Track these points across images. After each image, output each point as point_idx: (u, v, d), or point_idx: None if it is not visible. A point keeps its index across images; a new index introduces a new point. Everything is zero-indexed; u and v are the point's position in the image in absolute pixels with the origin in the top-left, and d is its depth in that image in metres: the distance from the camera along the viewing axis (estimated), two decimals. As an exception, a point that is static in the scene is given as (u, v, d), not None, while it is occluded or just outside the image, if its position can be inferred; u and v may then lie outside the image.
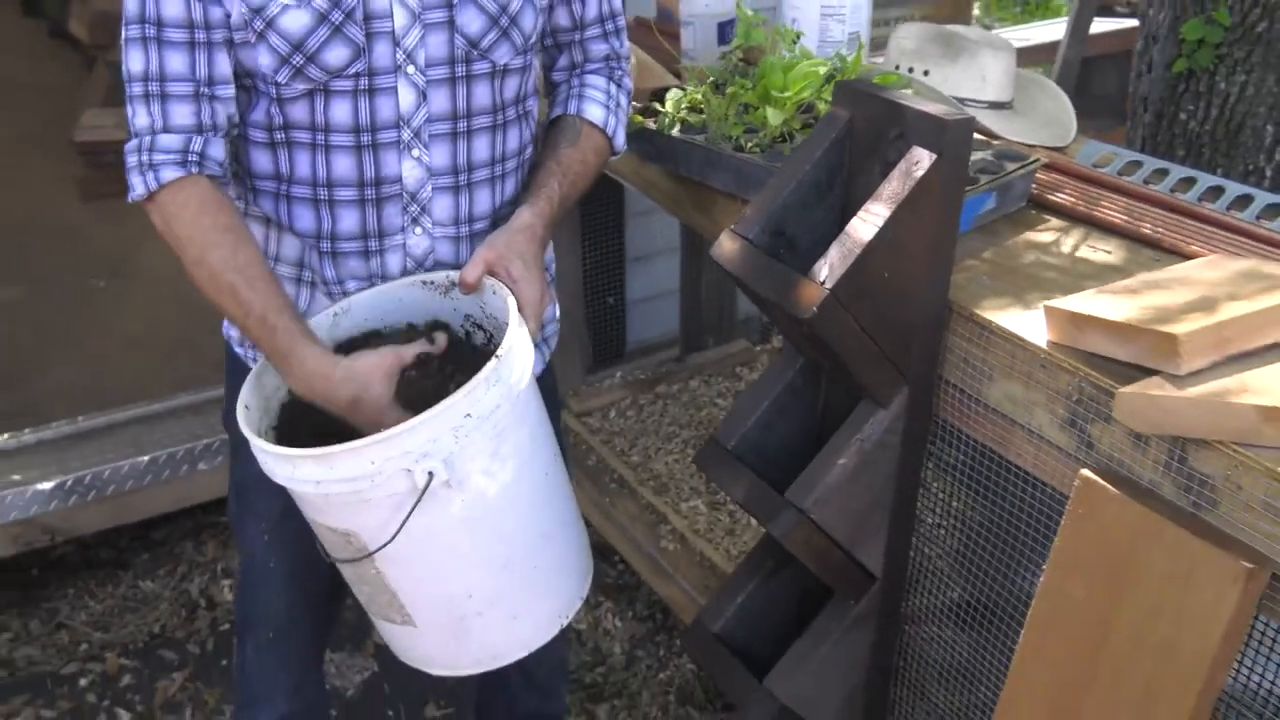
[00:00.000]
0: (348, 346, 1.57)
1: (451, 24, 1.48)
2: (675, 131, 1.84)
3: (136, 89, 1.42)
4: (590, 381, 2.92)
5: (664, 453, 2.66)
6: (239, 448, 1.70)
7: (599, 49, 1.71)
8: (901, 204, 1.35)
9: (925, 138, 1.37)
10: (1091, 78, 3.94)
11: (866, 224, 1.37)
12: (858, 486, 1.51)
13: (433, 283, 1.58)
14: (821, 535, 1.51)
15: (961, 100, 1.92)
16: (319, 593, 1.78)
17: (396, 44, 1.46)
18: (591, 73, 1.72)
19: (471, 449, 1.39)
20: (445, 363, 1.54)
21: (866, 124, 1.47)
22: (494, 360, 1.39)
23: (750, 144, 1.75)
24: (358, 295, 1.57)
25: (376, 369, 1.44)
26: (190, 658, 2.69)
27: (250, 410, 1.48)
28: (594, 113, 1.69)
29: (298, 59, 1.42)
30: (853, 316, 1.38)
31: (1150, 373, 1.26)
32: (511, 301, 1.47)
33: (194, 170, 1.43)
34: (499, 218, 1.63)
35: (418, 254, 1.59)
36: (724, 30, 2.09)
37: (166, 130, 1.42)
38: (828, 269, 1.37)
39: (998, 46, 1.95)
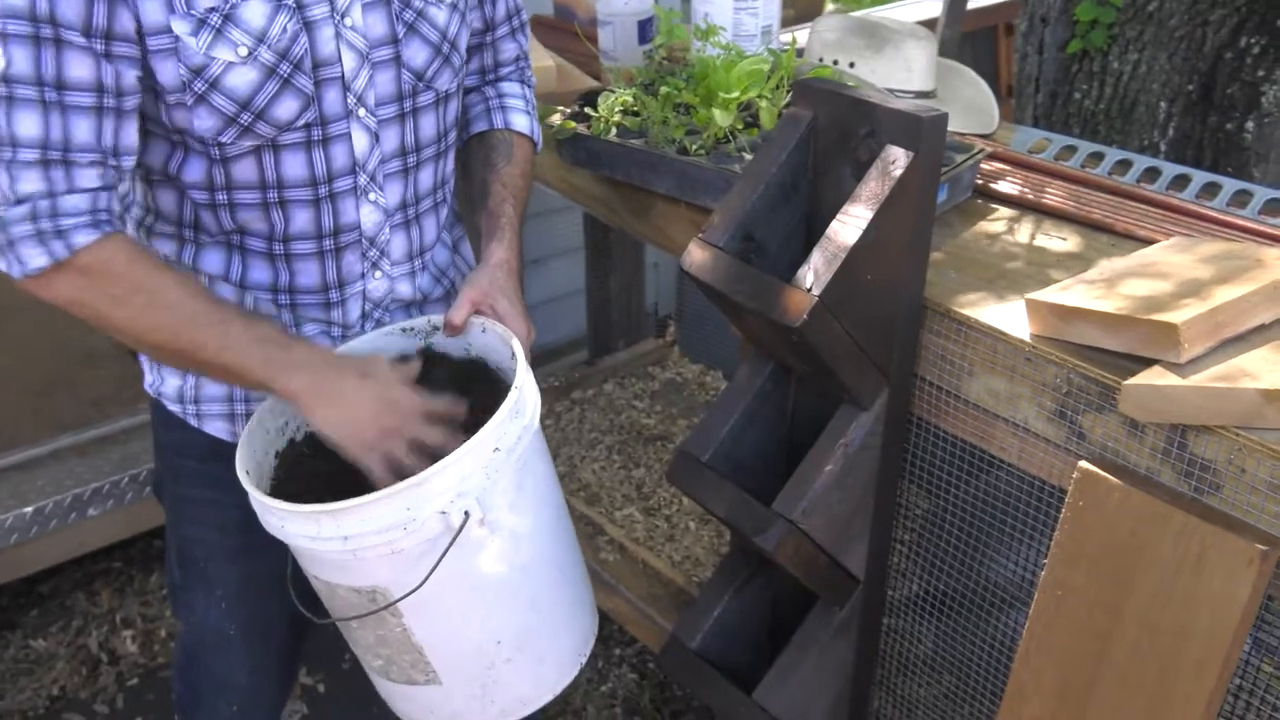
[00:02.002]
0: None
1: (398, 60, 1.40)
2: (612, 135, 1.79)
3: (25, 155, 1.22)
4: (502, 392, 2.84)
5: (589, 460, 2.60)
6: (181, 512, 1.59)
7: (508, 48, 1.65)
8: (882, 204, 1.33)
9: (899, 135, 1.36)
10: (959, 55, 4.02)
11: (849, 226, 1.34)
12: (842, 491, 1.49)
13: (413, 329, 1.52)
14: (810, 544, 1.49)
15: (890, 91, 1.92)
16: (283, 651, 1.68)
17: (347, 89, 1.36)
18: (505, 79, 1.67)
19: (500, 485, 1.34)
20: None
21: (831, 123, 1.45)
22: (514, 392, 1.35)
23: (695, 146, 1.70)
24: (337, 350, 1.48)
25: (378, 357, 1.42)
26: (98, 718, 2.51)
27: (251, 475, 1.37)
28: (520, 122, 1.64)
29: (245, 117, 1.30)
30: (840, 322, 1.36)
31: (1144, 361, 1.27)
32: (511, 336, 1.44)
33: (107, 230, 1.28)
34: (441, 240, 1.59)
35: (377, 297, 1.52)
36: (644, 29, 2.04)
37: (71, 191, 1.26)
38: (813, 275, 1.34)
39: (920, 36, 1.96)
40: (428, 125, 1.47)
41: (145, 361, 1.55)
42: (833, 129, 1.45)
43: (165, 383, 1.53)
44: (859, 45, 1.96)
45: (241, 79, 1.28)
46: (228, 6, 1.25)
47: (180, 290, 1.31)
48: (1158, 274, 1.36)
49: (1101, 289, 1.35)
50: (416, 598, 1.32)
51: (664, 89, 1.78)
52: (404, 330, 1.52)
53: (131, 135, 1.28)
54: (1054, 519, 1.40)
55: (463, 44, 1.49)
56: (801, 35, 2.12)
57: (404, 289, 1.54)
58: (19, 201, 1.23)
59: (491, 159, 1.60)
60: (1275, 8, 2.23)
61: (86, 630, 2.73)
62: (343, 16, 1.33)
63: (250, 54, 1.27)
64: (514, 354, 1.42)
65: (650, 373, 2.95)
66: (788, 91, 1.72)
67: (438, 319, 1.51)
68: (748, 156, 1.66)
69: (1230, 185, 1.65)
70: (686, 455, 1.58)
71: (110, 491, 2.69)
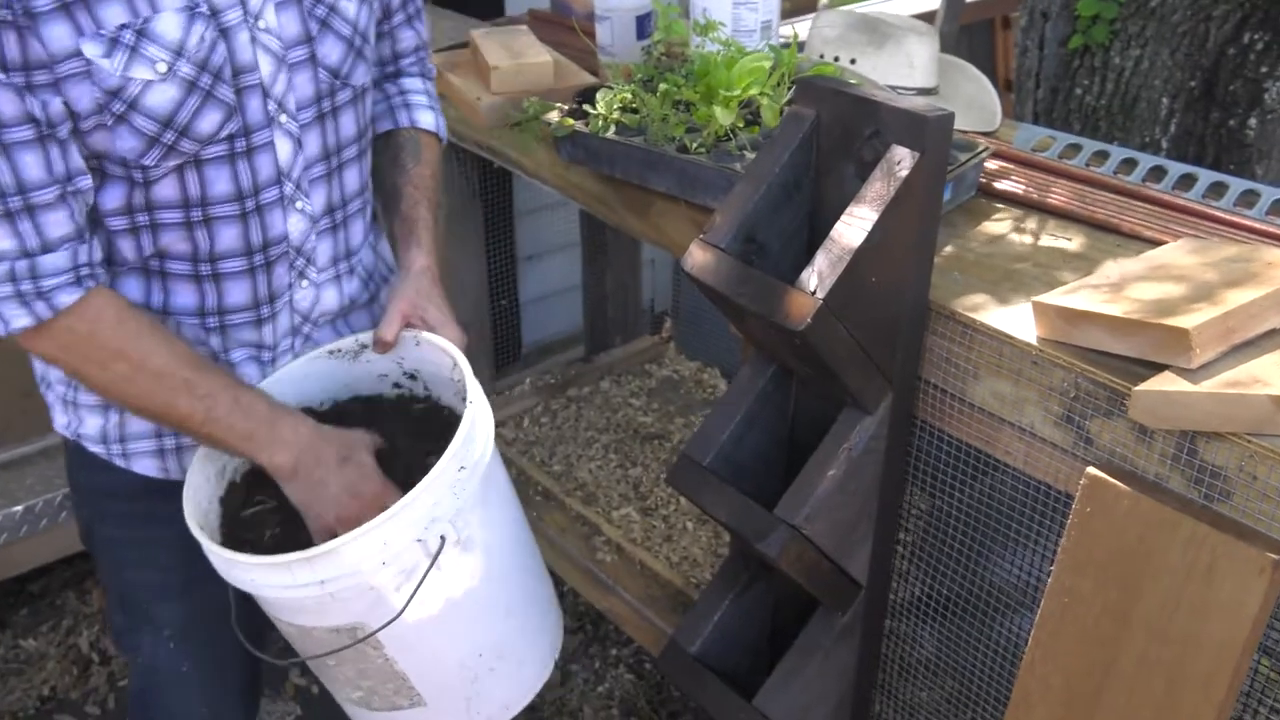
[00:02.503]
0: None
1: (314, 59, 1.34)
2: (611, 133, 1.76)
3: None
4: (498, 389, 2.81)
5: (586, 459, 2.58)
6: (116, 556, 1.55)
7: (406, 37, 1.58)
8: (888, 206, 1.31)
9: (904, 135, 1.33)
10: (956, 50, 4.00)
11: (853, 228, 1.32)
12: (845, 496, 1.47)
13: (340, 350, 1.48)
14: (812, 549, 1.47)
15: (892, 88, 1.89)
16: (241, 680, 1.64)
17: (266, 95, 1.30)
18: (407, 74, 1.62)
19: (469, 501, 1.32)
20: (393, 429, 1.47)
21: (834, 122, 1.42)
22: (469, 408, 1.33)
23: (695, 144, 1.68)
24: (263, 384, 1.44)
25: (363, 438, 1.38)
26: (89, 719, 2.48)
27: (205, 530, 1.33)
28: (426, 119, 1.60)
29: (169, 136, 1.24)
30: (844, 325, 1.33)
31: (1153, 366, 1.25)
32: (452, 347, 1.42)
33: (90, 285, 1.25)
34: (366, 244, 1.54)
35: (304, 307, 1.46)
36: (642, 24, 2.01)
37: (46, 250, 1.21)
38: (817, 277, 1.31)
39: (921, 31, 1.93)
40: (348, 124, 1.42)
41: (57, 403, 1.47)
42: (836, 128, 1.42)
43: (85, 423, 1.45)
44: (860, 41, 1.93)
45: (162, 96, 1.21)
46: (140, 22, 1.18)
47: (167, 356, 1.28)
48: (1167, 277, 1.34)
49: (1109, 292, 1.33)
50: (398, 626, 1.30)
51: (663, 86, 1.76)
52: (330, 353, 1.48)
53: (77, 157, 1.23)
54: (1059, 523, 1.38)
55: (372, 35, 1.44)
56: (801, 29, 2.10)
57: (330, 298, 1.48)
58: None
59: (400, 160, 1.56)
60: (1278, 4, 2.21)
61: (77, 630, 2.71)
62: (256, 19, 1.27)
63: (169, 70, 1.21)
64: (456, 364, 1.40)
65: (647, 370, 2.93)
66: (789, 89, 1.69)
67: (365, 337, 1.48)
68: (749, 155, 1.63)
69: (1237, 185, 1.63)
70: (687, 459, 1.55)
71: (101, 490, 2.66)
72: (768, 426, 1.60)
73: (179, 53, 1.21)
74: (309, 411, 1.46)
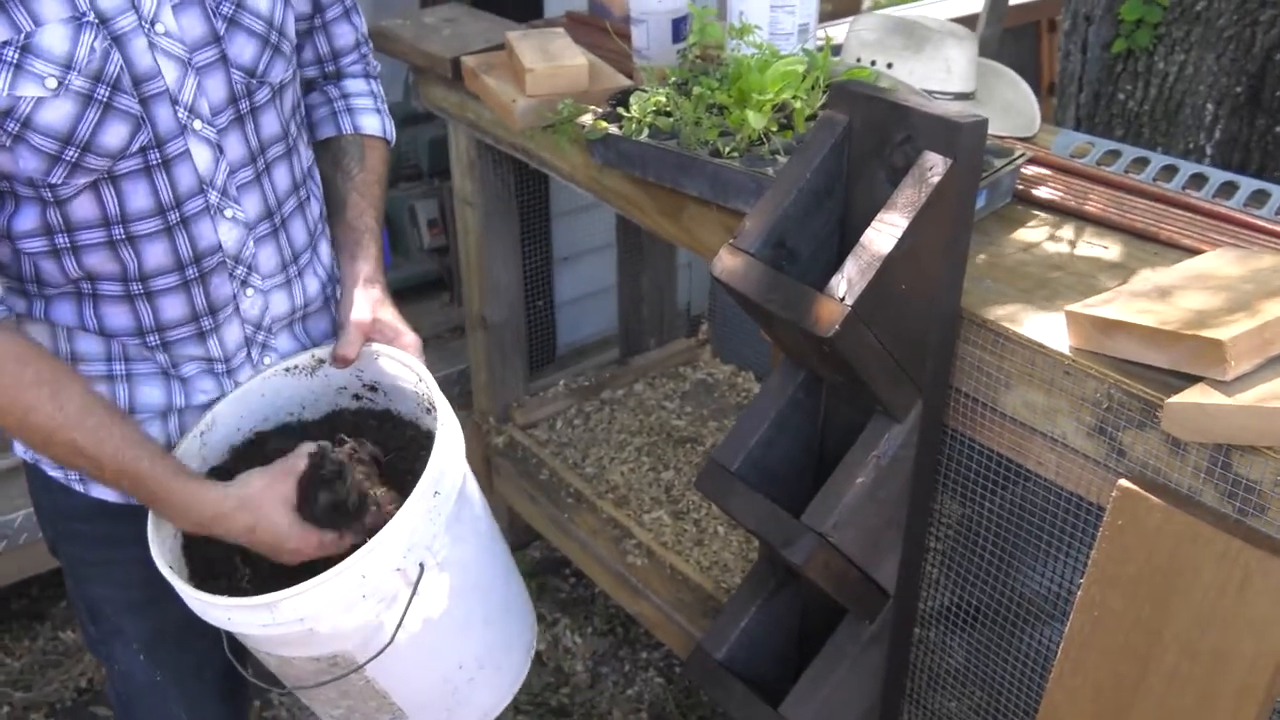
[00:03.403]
0: (236, 458, 1.45)
1: (224, 60, 1.29)
2: (644, 136, 1.76)
3: None
4: (532, 391, 2.81)
5: (618, 462, 2.58)
6: (81, 572, 1.54)
7: (343, 32, 1.53)
8: (919, 212, 1.29)
9: (937, 141, 1.32)
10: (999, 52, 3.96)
11: (883, 235, 1.31)
12: (874, 504, 1.46)
13: (297, 367, 1.46)
14: (840, 557, 1.46)
15: (929, 92, 1.88)
16: (221, 680, 1.62)
17: (175, 103, 1.24)
18: (348, 75, 1.57)
19: (443, 522, 1.32)
20: (360, 441, 1.45)
21: (866, 127, 1.41)
22: (441, 430, 1.33)
23: (728, 148, 1.67)
24: (218, 407, 1.42)
25: (268, 493, 1.32)
26: (125, 711, 2.51)
27: (174, 570, 1.33)
28: (370, 124, 1.56)
29: (70, 153, 1.19)
30: (873, 332, 1.32)
31: (1189, 378, 1.23)
32: (417, 363, 1.42)
33: None
34: (316, 244, 1.50)
35: (254, 316, 1.42)
36: (678, 27, 2.00)
37: None
38: (846, 284, 1.30)
39: (960, 36, 1.91)
40: (270, 123, 1.37)
41: None
42: (868, 133, 1.41)
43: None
44: (898, 45, 1.91)
45: (57, 113, 1.16)
46: (22, 37, 1.13)
47: (50, 421, 1.24)
48: (1203, 287, 1.32)
49: (1144, 301, 1.31)
50: (369, 653, 1.31)
51: (697, 89, 1.75)
52: (288, 370, 1.46)
53: None
54: (1090, 534, 1.36)
55: (290, 29, 1.39)
56: (839, 31, 2.08)
57: (280, 304, 1.44)
58: None
59: (344, 164, 1.53)
60: (1328, 8, 2.17)
61: (115, 623, 2.74)
62: (152, 24, 1.21)
63: (60, 84, 1.16)
64: (420, 378, 1.40)
65: (681, 373, 2.92)
66: (823, 92, 1.68)
67: (322, 352, 1.46)
68: (782, 159, 1.63)
69: (1279, 193, 1.60)
70: (715, 465, 1.55)
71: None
72: (797, 433, 1.59)
73: (68, 66, 1.16)
74: (273, 435, 1.46)
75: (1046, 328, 1.37)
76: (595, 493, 2.47)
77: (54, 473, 1.44)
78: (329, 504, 1.34)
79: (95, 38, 1.18)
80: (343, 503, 1.34)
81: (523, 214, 2.75)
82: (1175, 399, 1.19)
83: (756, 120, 1.60)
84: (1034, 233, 1.61)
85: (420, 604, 1.32)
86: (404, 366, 1.43)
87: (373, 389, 1.50)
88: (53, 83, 1.16)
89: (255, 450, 1.45)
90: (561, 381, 2.88)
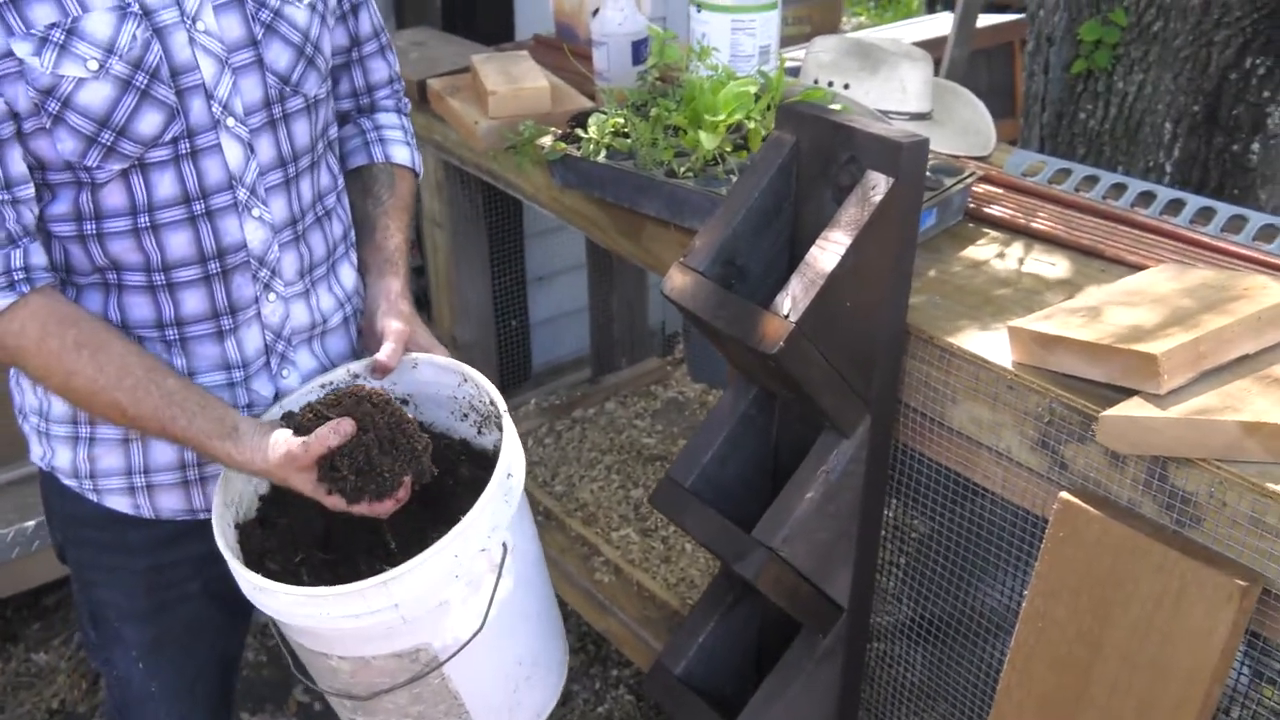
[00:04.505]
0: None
1: (260, 63, 1.34)
2: (602, 157, 1.78)
3: None
4: (504, 409, 2.83)
5: (588, 480, 2.59)
6: (87, 577, 1.56)
7: (378, 68, 1.59)
8: (862, 230, 1.32)
9: (879, 161, 1.34)
10: (968, 73, 4.00)
11: (827, 253, 1.33)
12: (824, 519, 1.48)
13: (332, 383, 1.46)
14: (791, 572, 1.47)
15: (885, 113, 1.90)
16: (212, 696, 1.65)
17: (210, 97, 1.29)
18: (381, 108, 1.63)
19: (516, 505, 1.36)
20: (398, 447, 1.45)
21: (813, 147, 1.44)
22: (507, 419, 1.38)
23: (683, 169, 1.69)
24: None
25: (291, 467, 1.33)
26: (96, 733, 2.52)
27: (243, 563, 1.34)
28: (400, 155, 1.61)
29: (106, 136, 1.24)
30: (818, 348, 1.34)
31: (1126, 392, 1.25)
32: (461, 365, 1.45)
33: (24, 290, 1.25)
34: (335, 260, 1.53)
35: (275, 323, 1.44)
36: (638, 49, 2.03)
37: None
38: (791, 301, 1.32)
39: (916, 57, 1.94)
40: (301, 133, 1.41)
41: (32, 433, 1.48)
42: (815, 153, 1.43)
43: (57, 455, 1.45)
44: (854, 67, 1.94)
45: (96, 95, 1.22)
46: (69, 21, 1.20)
47: (92, 384, 1.28)
48: (1142, 302, 1.34)
49: (1084, 317, 1.33)
50: (456, 644, 1.32)
51: (654, 111, 1.78)
52: (323, 386, 1.47)
53: (18, 163, 1.24)
54: (1040, 547, 1.38)
55: (326, 48, 1.44)
56: (801, 55, 2.11)
57: (300, 314, 1.47)
58: None
59: (374, 191, 1.58)
60: (1280, 28, 2.20)
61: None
62: (194, 21, 1.27)
63: (101, 67, 1.22)
64: (465, 379, 1.45)
65: (652, 391, 2.94)
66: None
67: (357, 366, 1.48)
68: (736, 179, 1.65)
69: (1225, 210, 1.63)
70: (670, 481, 1.56)
71: (112, 506, 2.69)
72: (751, 449, 1.61)
73: (110, 50, 1.22)
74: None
75: (991, 344, 1.39)
76: (564, 510, 2.48)
77: (68, 481, 1.46)
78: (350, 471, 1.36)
79: (138, 27, 1.24)
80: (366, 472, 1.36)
81: (495, 235, 2.77)
82: (1110, 412, 1.21)
83: (709, 141, 1.63)
84: (983, 250, 1.63)
85: (500, 588, 1.34)
86: (445, 371, 1.46)
87: (404, 402, 1.51)
88: (94, 65, 1.22)
89: None
90: (533, 400, 2.90)
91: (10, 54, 1.19)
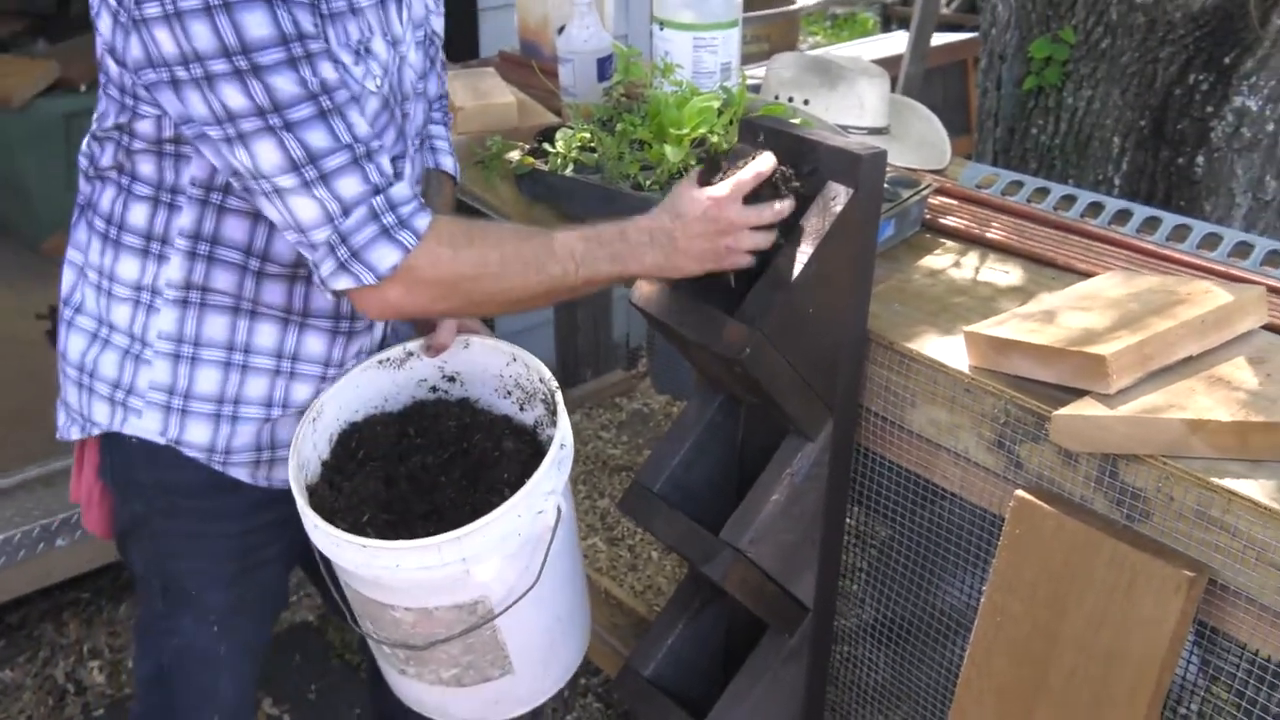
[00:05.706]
0: (335, 452, 1.55)
1: (425, 93, 1.51)
2: (569, 171, 1.82)
3: (336, 160, 1.23)
4: (470, 422, 2.85)
5: (555, 491, 2.62)
6: (169, 547, 1.57)
7: (435, 84, 1.66)
8: (823, 239, 1.36)
9: (839, 172, 1.39)
10: (923, 90, 4.09)
11: (791, 261, 1.37)
12: (789, 520, 1.52)
13: (389, 360, 1.57)
14: (757, 572, 1.51)
15: (844, 127, 1.96)
16: (256, 672, 1.71)
17: (407, 119, 1.46)
18: (432, 122, 1.70)
19: (568, 472, 1.47)
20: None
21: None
22: (557, 391, 1.52)
23: (649, 182, 1.74)
24: (324, 396, 1.51)
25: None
26: (63, 750, 2.51)
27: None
28: (447, 163, 1.71)
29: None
30: (782, 354, 1.38)
31: (1077, 393, 1.30)
32: (509, 345, 1.58)
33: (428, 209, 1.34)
34: None
35: (379, 336, 1.57)
36: (603, 66, 2.07)
37: (391, 182, 1.28)
38: (755, 308, 1.37)
39: (873, 74, 2.00)
40: (410, 127, 1.51)
41: (153, 409, 1.46)
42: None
43: (188, 431, 1.46)
44: (814, 83, 2.00)
45: (371, 107, 1.35)
46: (367, 40, 1.33)
47: (512, 238, 1.36)
48: (1092, 307, 1.40)
49: (1037, 322, 1.39)
50: (511, 597, 1.42)
51: (620, 126, 1.82)
52: (380, 362, 1.56)
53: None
54: (998, 545, 1.43)
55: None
56: (760, 72, 2.16)
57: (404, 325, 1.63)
58: (348, 210, 1.25)
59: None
60: (1222, 45, 2.28)
61: (54, 661, 2.73)
62: (406, 54, 1.42)
63: (379, 85, 1.35)
64: (514, 359, 1.58)
65: (617, 403, 2.98)
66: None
67: (412, 345, 1.58)
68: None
69: (1170, 220, 1.69)
70: (638, 486, 1.60)
71: (78, 522, 2.69)
72: (717, 454, 1.64)
73: (385, 71, 1.36)
74: (363, 426, 1.57)
75: (948, 348, 1.44)
76: (532, 521, 2.51)
77: (192, 454, 1.47)
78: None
79: (391, 55, 1.38)
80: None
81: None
82: (1062, 412, 1.26)
83: (674, 154, 1.67)
84: (940, 259, 1.68)
85: (551, 550, 1.44)
86: (495, 350, 1.59)
87: (451, 379, 1.63)
88: (377, 81, 1.35)
89: (346, 443, 1.55)
90: (500, 413, 2.92)
91: (338, 60, 1.29)
